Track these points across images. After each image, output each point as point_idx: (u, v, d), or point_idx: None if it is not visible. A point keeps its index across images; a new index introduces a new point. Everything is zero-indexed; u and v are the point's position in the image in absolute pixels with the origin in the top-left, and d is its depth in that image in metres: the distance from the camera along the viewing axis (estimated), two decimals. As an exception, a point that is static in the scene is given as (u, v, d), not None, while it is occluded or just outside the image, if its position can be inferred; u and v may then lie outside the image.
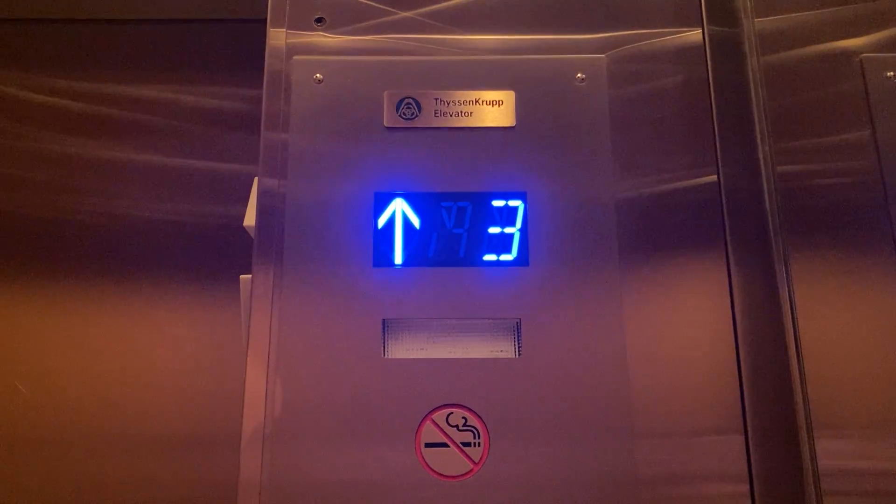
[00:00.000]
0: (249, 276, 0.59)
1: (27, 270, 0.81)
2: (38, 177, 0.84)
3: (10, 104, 0.86)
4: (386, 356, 0.56)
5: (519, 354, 0.56)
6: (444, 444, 0.54)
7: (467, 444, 0.54)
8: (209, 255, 0.82)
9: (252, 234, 0.60)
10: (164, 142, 0.85)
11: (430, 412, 0.55)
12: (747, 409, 0.56)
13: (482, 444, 0.54)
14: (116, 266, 0.81)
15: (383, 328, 0.57)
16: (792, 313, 0.57)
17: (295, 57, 0.63)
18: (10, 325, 0.80)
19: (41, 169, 0.84)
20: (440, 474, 0.54)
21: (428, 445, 0.54)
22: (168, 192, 0.84)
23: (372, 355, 0.56)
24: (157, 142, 0.85)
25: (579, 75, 0.62)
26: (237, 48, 0.87)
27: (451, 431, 0.55)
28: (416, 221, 0.59)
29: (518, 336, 0.57)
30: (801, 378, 0.55)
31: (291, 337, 0.56)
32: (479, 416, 0.55)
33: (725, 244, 0.59)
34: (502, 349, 0.57)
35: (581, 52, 0.63)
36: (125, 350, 0.79)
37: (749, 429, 0.55)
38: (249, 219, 0.61)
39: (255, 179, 0.61)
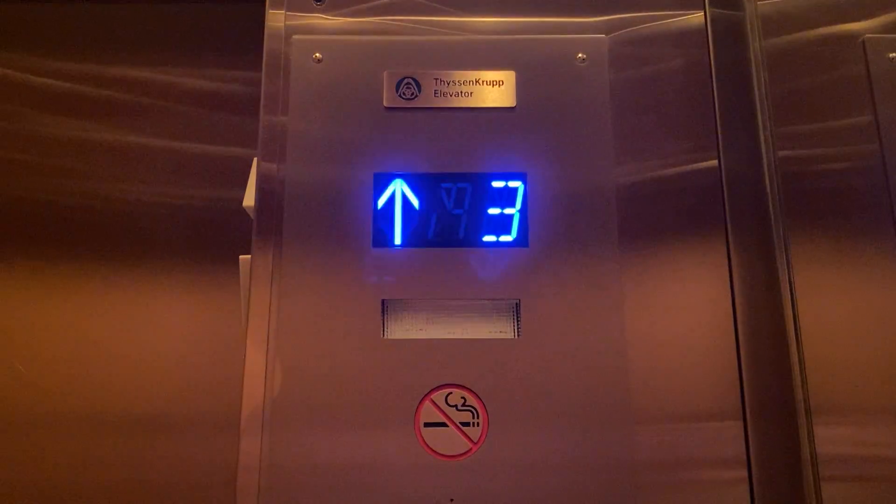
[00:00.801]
0: (249, 256, 0.58)
1: (26, 253, 0.81)
2: (36, 160, 0.83)
3: (9, 86, 0.85)
4: (385, 336, 0.56)
5: (518, 335, 0.56)
6: (444, 424, 0.54)
7: (466, 424, 0.54)
8: (207, 239, 0.81)
9: (251, 215, 0.60)
10: (162, 124, 0.84)
11: (430, 392, 0.55)
12: (746, 394, 0.56)
13: (481, 424, 0.54)
14: (115, 248, 0.81)
15: (383, 308, 0.57)
16: (791, 298, 0.57)
17: (294, 36, 0.62)
18: (9, 308, 0.80)
19: (39, 152, 0.84)
20: (439, 454, 0.54)
21: (427, 425, 0.54)
22: (167, 175, 0.83)
23: (371, 336, 0.56)
24: (156, 125, 0.84)
25: (580, 55, 0.62)
26: (237, 30, 0.86)
27: (450, 411, 0.55)
28: (415, 202, 0.59)
29: (517, 317, 0.57)
30: (801, 363, 0.55)
31: (291, 318, 0.56)
32: (478, 397, 0.55)
33: (726, 229, 0.59)
34: (501, 330, 0.57)
35: (582, 34, 0.63)
36: (124, 332, 0.79)
37: (748, 414, 0.55)
38: (249, 199, 0.60)
39: (255, 159, 0.61)
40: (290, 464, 0.53)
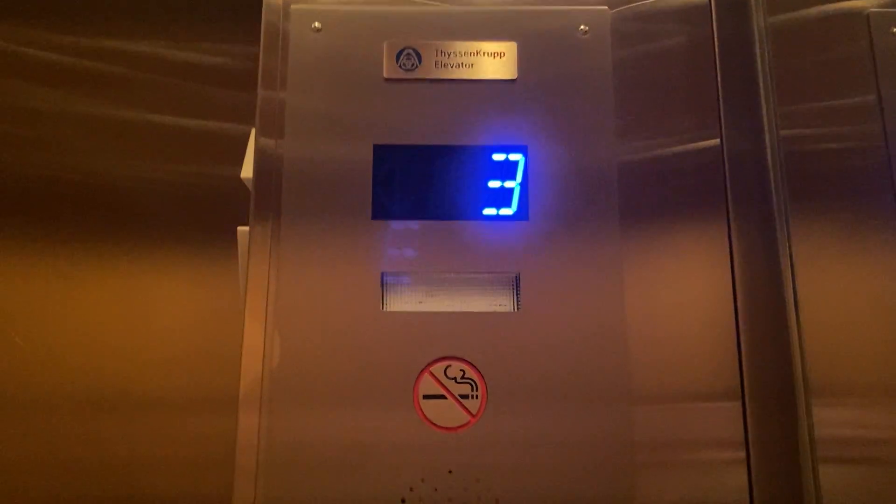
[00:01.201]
0: (247, 228, 0.58)
1: (22, 229, 0.80)
2: (30, 134, 0.83)
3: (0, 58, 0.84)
4: (384, 309, 0.56)
5: (518, 308, 0.56)
6: (442, 397, 0.54)
7: (465, 397, 0.54)
8: (204, 215, 0.81)
9: (249, 187, 0.59)
10: (155, 99, 0.84)
11: (429, 364, 0.55)
12: (745, 374, 0.55)
13: (480, 397, 0.54)
14: (111, 225, 0.81)
15: (382, 281, 0.56)
16: (792, 278, 0.57)
17: (293, 6, 0.62)
18: (7, 285, 0.79)
19: (34, 126, 0.83)
20: (438, 426, 0.54)
21: (426, 397, 0.54)
22: (161, 151, 0.83)
23: (371, 308, 0.55)
24: (149, 99, 0.84)
25: (582, 27, 0.61)
26: (234, 2, 0.85)
27: (449, 384, 0.54)
28: (415, 174, 0.58)
29: (517, 290, 0.57)
30: (800, 344, 0.55)
31: (289, 290, 0.56)
32: (478, 369, 0.55)
33: (727, 208, 0.59)
34: (501, 303, 0.57)
35: (585, 6, 0.62)
36: (122, 308, 0.79)
37: (746, 395, 0.55)
38: (247, 171, 0.60)
39: (252, 130, 0.60)
40: (289, 437, 0.53)
